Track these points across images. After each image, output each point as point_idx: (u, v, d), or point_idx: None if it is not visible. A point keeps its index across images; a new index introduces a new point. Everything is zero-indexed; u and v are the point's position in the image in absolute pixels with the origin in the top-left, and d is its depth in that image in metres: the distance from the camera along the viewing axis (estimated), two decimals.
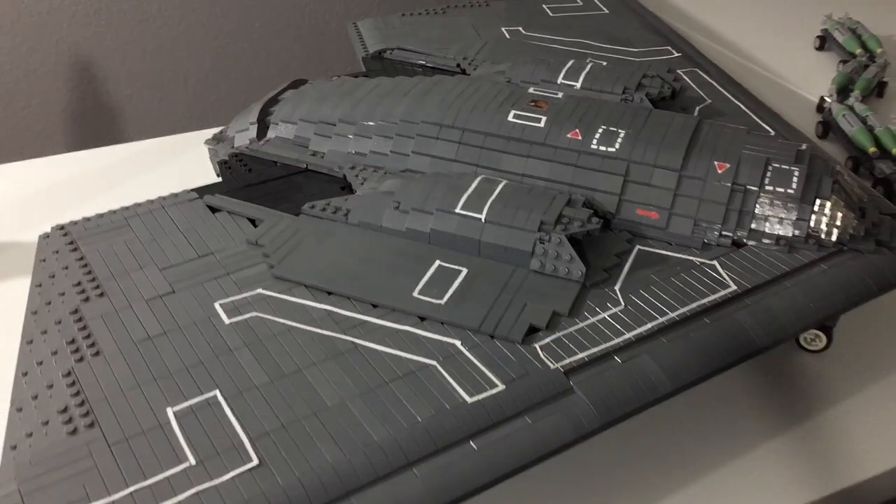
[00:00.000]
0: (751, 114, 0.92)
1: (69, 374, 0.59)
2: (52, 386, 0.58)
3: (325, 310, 0.64)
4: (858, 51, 1.24)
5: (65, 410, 0.56)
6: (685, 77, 0.97)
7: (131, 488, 0.51)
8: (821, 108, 1.13)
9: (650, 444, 0.67)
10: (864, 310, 0.74)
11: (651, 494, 0.63)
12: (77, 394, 0.57)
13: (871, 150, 1.00)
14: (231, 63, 1.54)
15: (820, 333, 0.76)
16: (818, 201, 0.70)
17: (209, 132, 0.99)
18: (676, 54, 1.03)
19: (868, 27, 1.28)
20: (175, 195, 0.77)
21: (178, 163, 0.89)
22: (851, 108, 1.08)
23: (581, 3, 1.17)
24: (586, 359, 0.60)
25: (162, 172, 0.84)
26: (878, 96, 1.18)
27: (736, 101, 0.94)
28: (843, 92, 1.14)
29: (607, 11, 1.14)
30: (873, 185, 0.96)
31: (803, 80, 1.23)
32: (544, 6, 1.15)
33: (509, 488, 0.56)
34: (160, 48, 1.50)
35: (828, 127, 1.09)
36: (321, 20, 1.56)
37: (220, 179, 0.83)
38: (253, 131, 0.86)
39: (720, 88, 0.97)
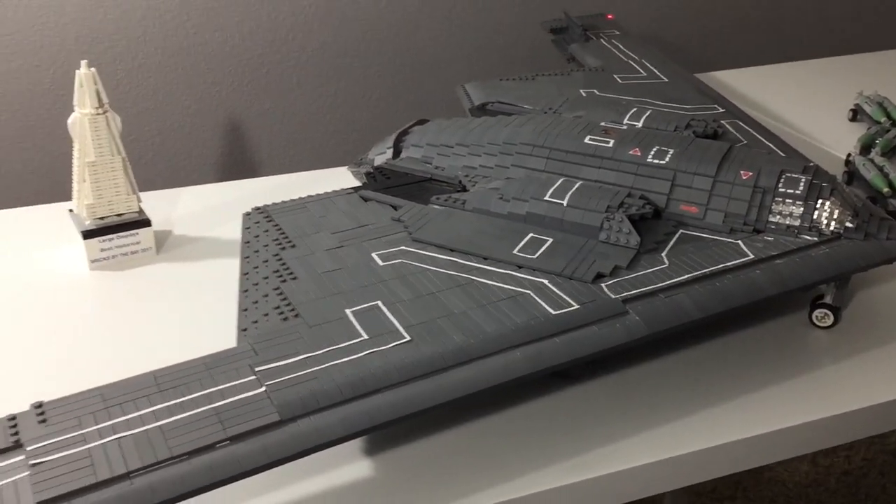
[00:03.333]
0: (781, 154, 1.16)
1: (277, 288, 0.85)
2: (267, 295, 0.84)
3: (449, 259, 0.89)
4: (883, 119, 1.47)
5: (277, 307, 0.82)
6: (728, 126, 1.22)
7: (326, 348, 0.76)
8: (848, 162, 1.36)
9: (681, 379, 0.90)
10: (868, 303, 0.99)
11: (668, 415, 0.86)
12: (284, 299, 0.83)
13: (885, 190, 1.22)
14: (349, 123, 1.86)
15: (829, 312, 0.98)
16: (820, 201, 0.93)
17: (328, 171, 1.33)
18: (721, 110, 1.28)
19: (894, 101, 1.52)
20: (336, 191, 1.06)
21: (301, 190, 1.12)
22: (871, 160, 1.30)
23: (644, 74, 1.44)
24: (638, 294, 0.83)
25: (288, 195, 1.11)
26: None
27: (770, 144, 1.18)
28: (866, 149, 1.37)
29: (666, 80, 1.41)
30: None
31: (836, 143, 1.46)
32: (615, 76, 1.42)
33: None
34: (293, 115, 1.83)
35: (852, 176, 1.31)
36: (425, 90, 1.89)
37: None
38: (389, 153, 1.15)
39: (757, 135, 1.21)
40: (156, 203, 1.22)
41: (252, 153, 1.82)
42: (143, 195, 1.14)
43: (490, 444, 0.81)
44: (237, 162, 1.82)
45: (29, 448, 0.65)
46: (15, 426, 0.67)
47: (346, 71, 1.82)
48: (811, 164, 0.98)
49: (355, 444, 0.80)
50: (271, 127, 1.81)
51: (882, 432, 0.92)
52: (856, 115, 1.55)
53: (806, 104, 1.63)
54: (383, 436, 0.82)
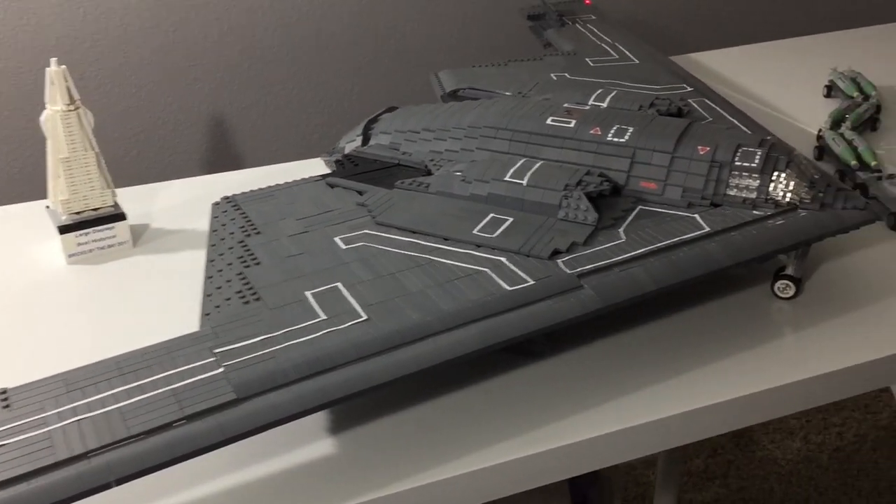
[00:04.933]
0: (746, 130, 1.17)
1: (240, 273, 0.87)
2: (230, 281, 0.86)
3: (410, 241, 0.91)
4: (856, 94, 1.48)
5: (239, 292, 0.84)
6: (694, 104, 1.23)
7: (284, 329, 0.77)
8: (819, 137, 1.37)
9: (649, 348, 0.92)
10: (829, 274, 1.02)
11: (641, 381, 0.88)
12: (247, 283, 0.85)
13: (853, 163, 1.23)
14: (332, 116, 1.89)
15: (790, 283, 0.99)
16: (776, 173, 0.94)
17: (307, 161, 1.34)
18: (689, 89, 1.29)
19: (867, 77, 1.52)
20: (304, 179, 1.07)
21: (281, 180, 1.13)
22: (841, 135, 1.31)
23: (616, 56, 1.45)
24: (594, 268, 0.85)
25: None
26: (871, 130, 1.42)
27: (734, 121, 1.19)
28: (837, 124, 1.38)
29: (637, 61, 1.42)
30: (853, 188, 1.18)
31: (810, 119, 1.46)
32: (586, 59, 1.43)
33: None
34: (276, 109, 1.85)
35: (822, 151, 1.33)
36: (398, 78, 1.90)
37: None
38: (358, 141, 1.16)
39: (724, 113, 1.22)
40: (137, 197, 1.24)
41: (237, 147, 1.85)
42: (125, 191, 1.17)
43: (455, 419, 0.83)
44: (222, 156, 1.84)
45: None
46: None
47: (327, 65, 1.84)
48: (769, 137, 0.99)
49: (322, 424, 0.83)
50: (255, 121, 1.83)
51: (843, 398, 0.93)
52: (830, 91, 1.56)
53: (783, 82, 1.63)
54: (350, 414, 0.83)
